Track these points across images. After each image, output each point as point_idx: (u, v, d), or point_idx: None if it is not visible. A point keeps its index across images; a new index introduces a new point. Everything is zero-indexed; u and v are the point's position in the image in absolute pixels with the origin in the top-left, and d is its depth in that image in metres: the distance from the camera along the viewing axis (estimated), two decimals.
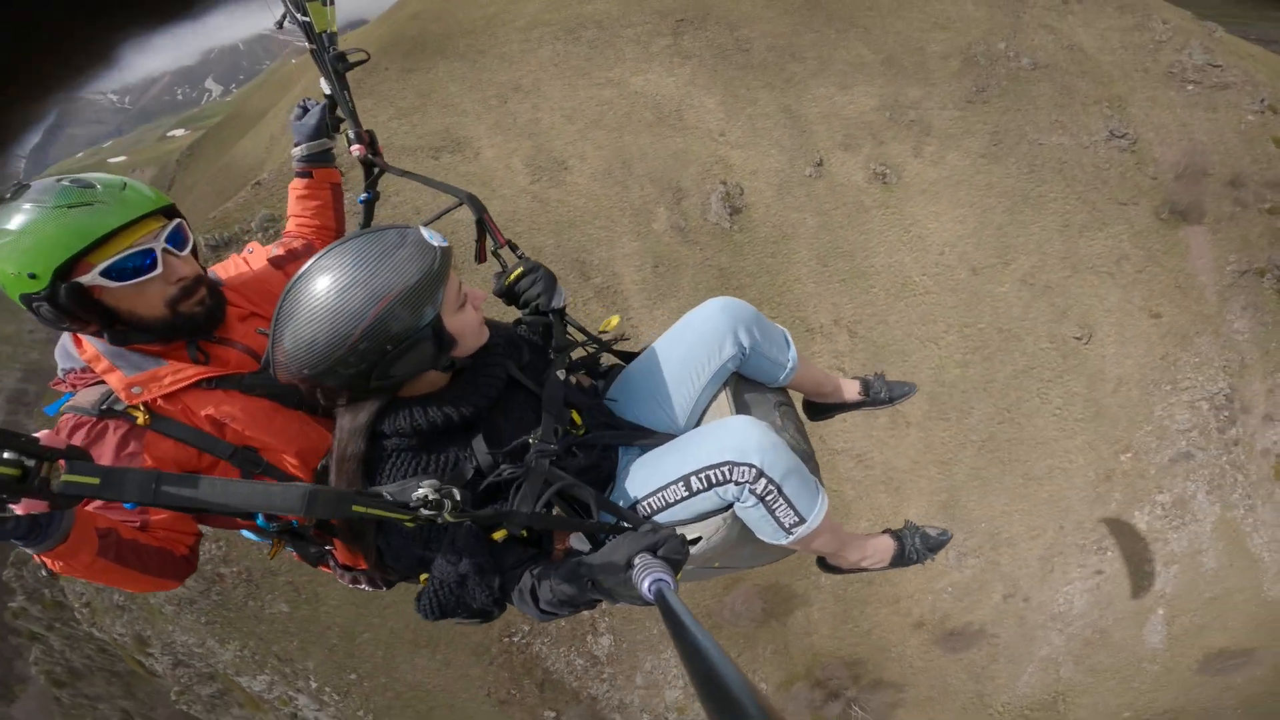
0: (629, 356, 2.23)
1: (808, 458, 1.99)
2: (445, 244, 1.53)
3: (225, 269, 1.99)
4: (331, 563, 1.96)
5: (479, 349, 1.68)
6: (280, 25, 2.29)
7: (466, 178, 12.00)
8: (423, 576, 1.66)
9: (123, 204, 1.53)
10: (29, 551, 1.34)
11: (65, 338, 1.72)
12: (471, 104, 13.11)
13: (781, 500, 1.71)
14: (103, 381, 1.64)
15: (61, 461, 1.02)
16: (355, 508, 1.22)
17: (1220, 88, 13.11)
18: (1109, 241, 11.99)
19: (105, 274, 1.51)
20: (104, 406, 1.60)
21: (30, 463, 1.03)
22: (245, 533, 1.92)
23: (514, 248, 2.16)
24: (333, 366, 1.45)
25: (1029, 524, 11.95)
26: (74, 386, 1.69)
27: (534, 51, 13.71)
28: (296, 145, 2.34)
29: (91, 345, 1.65)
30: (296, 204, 2.35)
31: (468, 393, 1.66)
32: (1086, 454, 11.99)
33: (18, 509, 1.20)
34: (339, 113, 2.31)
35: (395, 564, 1.69)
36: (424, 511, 1.28)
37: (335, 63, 2.23)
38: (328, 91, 2.28)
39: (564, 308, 2.06)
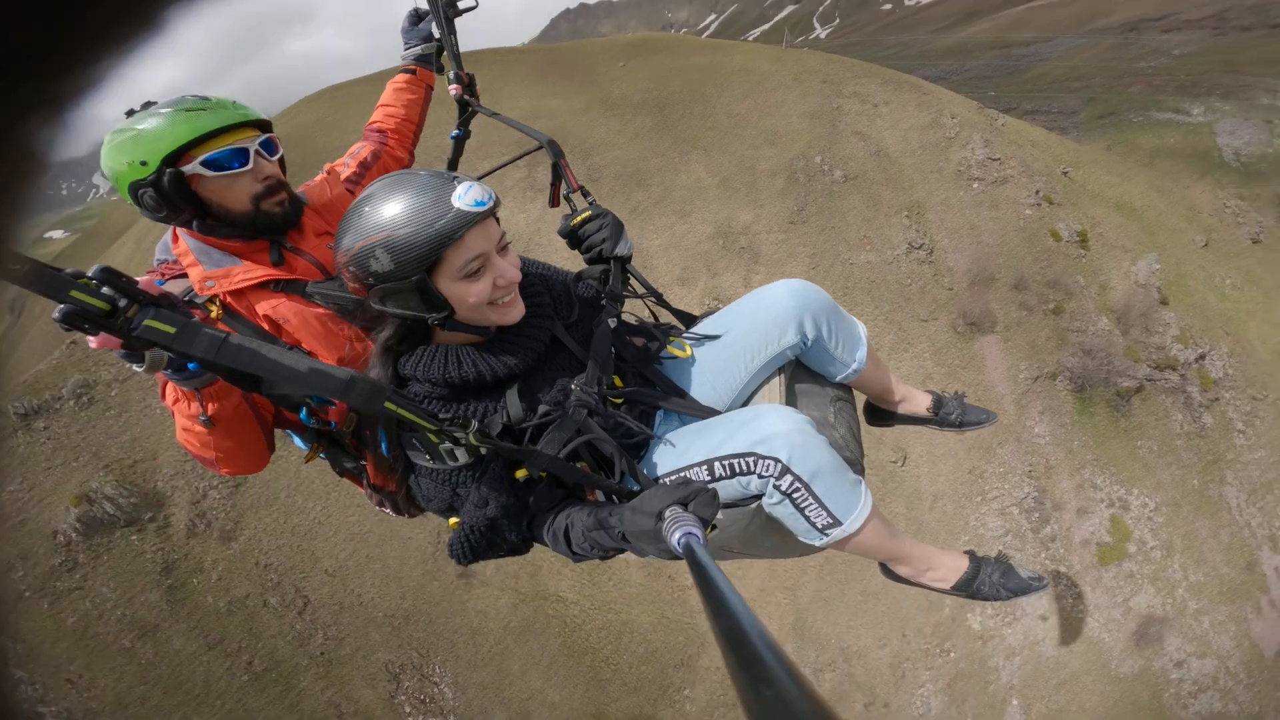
0: (690, 321, 2.17)
1: (854, 460, 1.91)
2: (476, 208, 1.48)
3: (310, 189, 2.11)
4: (364, 481, 2.04)
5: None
6: None
7: None
8: (451, 521, 1.66)
9: (228, 111, 1.77)
10: (186, 387, 1.56)
11: (166, 234, 1.90)
12: None
13: (811, 500, 1.65)
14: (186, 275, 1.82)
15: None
16: (387, 403, 1.31)
17: (1000, 183, 13.70)
18: (914, 362, 12.71)
19: (205, 164, 1.72)
20: (186, 298, 1.76)
21: (122, 302, 1.16)
22: (290, 434, 2.03)
23: (586, 194, 2.19)
24: (339, 269, 1.53)
25: (875, 635, 12.66)
26: (164, 275, 1.85)
27: None
28: (407, 48, 2.53)
29: (184, 241, 1.83)
30: (392, 94, 2.49)
31: (506, 351, 1.64)
32: None
33: (94, 342, 1.29)
34: (444, 58, 2.49)
35: (426, 505, 1.70)
36: (449, 429, 1.40)
37: (447, 9, 2.43)
38: (437, 35, 2.48)
39: (628, 257, 2.01)
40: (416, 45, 2.53)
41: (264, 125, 1.88)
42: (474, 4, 2.46)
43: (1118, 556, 12.84)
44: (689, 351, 1.98)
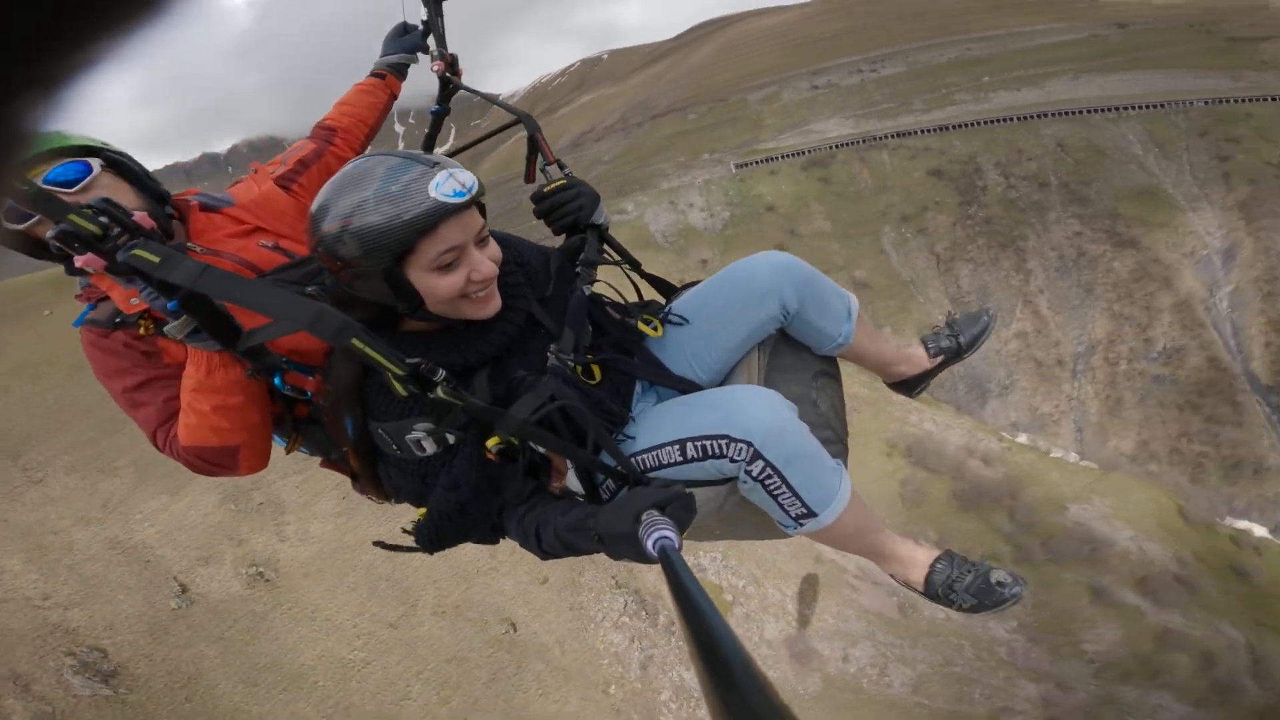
0: (669, 290, 2.16)
1: (834, 440, 1.85)
2: (454, 198, 1.43)
3: (235, 189, 2.14)
4: (345, 466, 1.94)
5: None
6: None
7: None
8: (420, 510, 1.68)
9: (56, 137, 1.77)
10: (215, 348, 1.59)
11: None
12: None
13: (785, 487, 1.60)
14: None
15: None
16: (355, 341, 1.30)
17: None
18: (473, 550, 13.23)
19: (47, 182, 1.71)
20: (117, 320, 1.78)
21: (114, 230, 1.33)
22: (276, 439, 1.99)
23: (562, 166, 2.14)
24: (312, 247, 1.51)
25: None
26: (89, 299, 1.86)
27: None
28: (385, 55, 2.55)
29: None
30: (354, 94, 2.49)
31: (479, 336, 1.62)
32: (588, 705, 13.19)
33: (80, 260, 1.37)
34: (428, 39, 2.54)
35: (395, 496, 1.74)
36: (419, 374, 1.35)
37: None
38: (424, 19, 2.51)
39: (605, 225, 2.01)
40: (398, 54, 2.57)
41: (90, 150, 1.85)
42: None
43: (725, 607, 15.26)
44: (660, 330, 1.92)
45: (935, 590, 1.83)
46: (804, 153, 51.96)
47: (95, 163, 1.80)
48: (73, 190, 1.72)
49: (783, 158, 54.33)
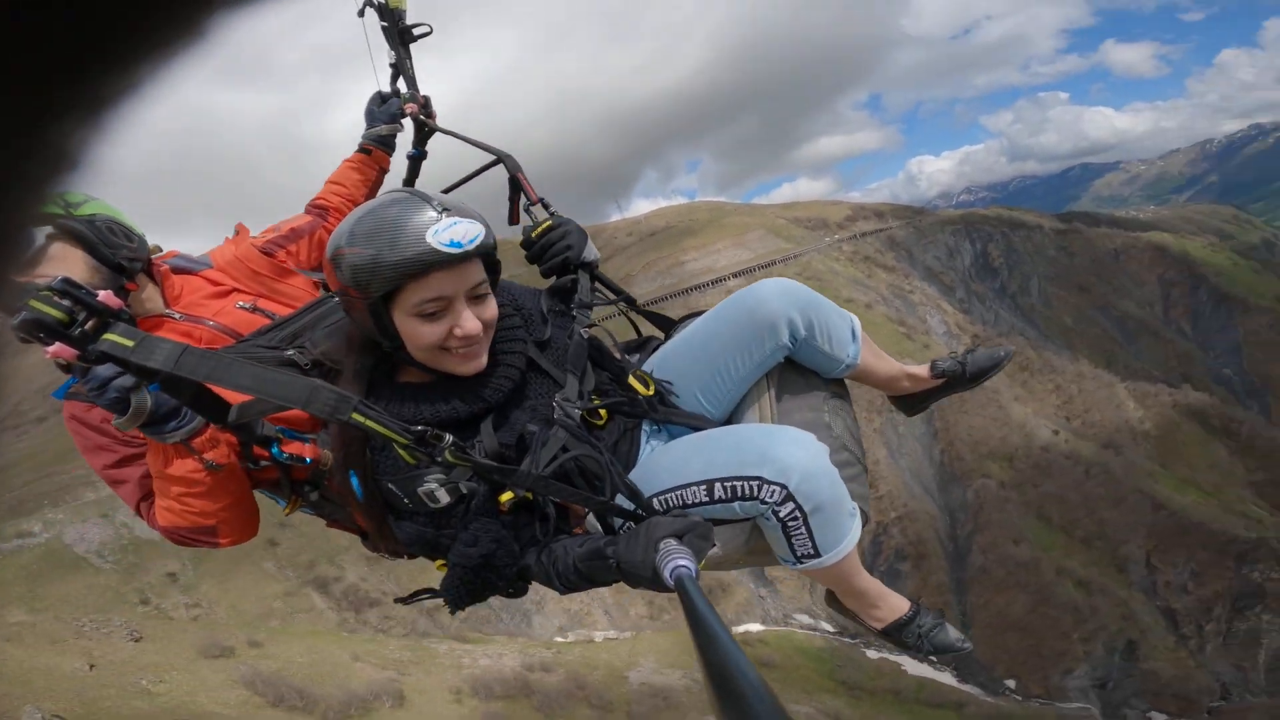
0: (667, 326, 2.17)
1: (852, 463, 1.84)
2: (449, 248, 1.42)
3: (214, 252, 2.17)
4: (356, 528, 1.94)
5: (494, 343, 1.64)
6: (361, 12, 2.50)
7: None
8: (438, 563, 1.65)
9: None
10: (176, 439, 1.53)
11: None
12: None
13: (803, 530, 1.58)
14: None
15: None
16: (354, 415, 1.29)
17: None
18: None
19: None
20: None
21: (80, 315, 1.23)
22: (262, 492, 1.95)
23: (547, 206, 2.12)
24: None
25: None
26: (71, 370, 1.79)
27: None
28: (370, 127, 2.57)
29: None
30: (345, 172, 2.53)
31: (478, 384, 1.60)
32: None
33: (49, 351, 1.29)
34: (399, 84, 2.59)
35: (410, 549, 1.67)
36: (425, 442, 1.35)
37: (404, 34, 2.54)
38: (393, 62, 2.56)
39: (595, 263, 1.99)
40: (380, 125, 2.58)
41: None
42: (428, 30, 2.59)
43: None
44: (652, 388, 1.85)
45: (900, 634, 1.90)
46: None
47: (39, 232, 1.73)
48: None
49: None
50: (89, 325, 1.24)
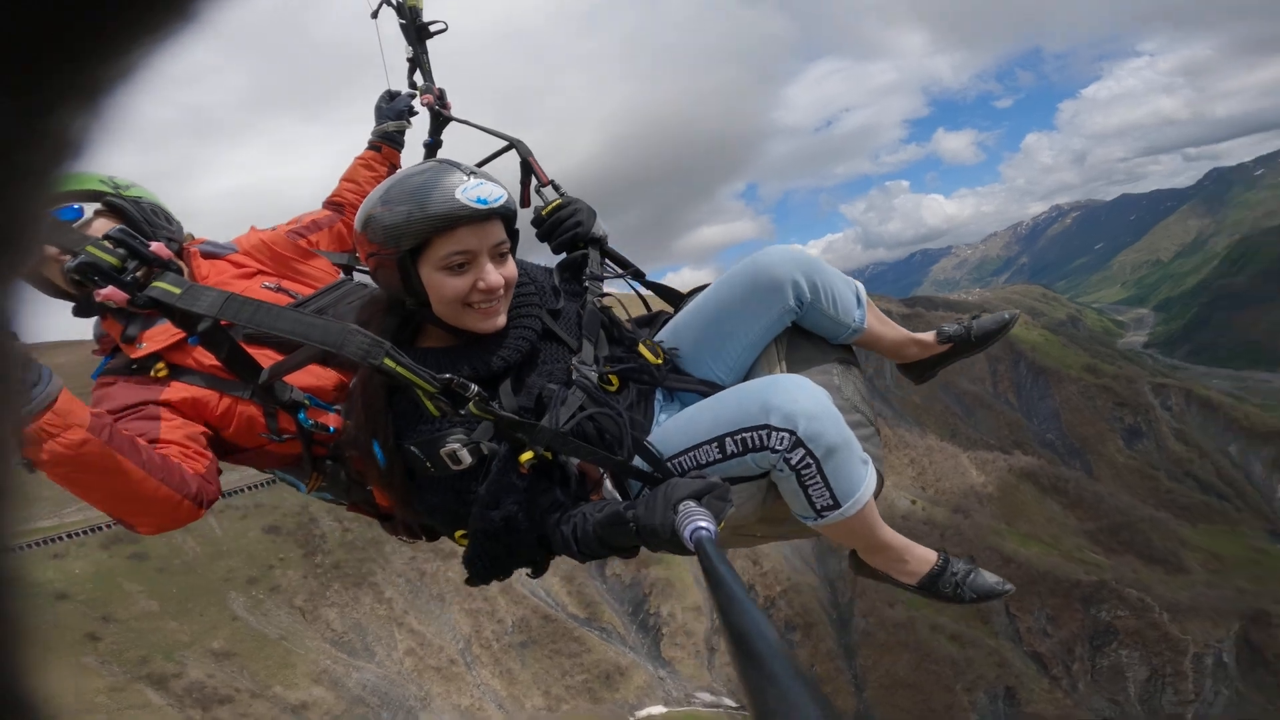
0: (675, 298, 2.21)
1: (864, 424, 1.83)
2: (476, 204, 1.52)
3: (240, 239, 2.26)
4: (377, 511, 2.05)
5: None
6: (375, 14, 2.68)
7: None
8: (458, 534, 1.65)
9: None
10: (36, 407, 1.40)
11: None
12: None
13: (818, 478, 1.57)
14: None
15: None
16: (386, 360, 1.32)
17: None
18: None
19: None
20: (134, 366, 1.86)
21: (132, 264, 1.32)
22: (283, 475, 2.02)
23: (557, 187, 2.18)
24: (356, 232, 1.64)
25: None
26: (105, 351, 1.97)
27: None
28: (379, 124, 2.73)
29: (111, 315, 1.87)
30: (357, 169, 2.67)
31: (498, 344, 1.65)
32: None
33: (100, 294, 1.34)
34: (416, 76, 2.77)
35: (432, 519, 1.71)
36: (452, 390, 1.37)
37: (421, 31, 2.71)
38: (410, 56, 2.73)
39: (604, 238, 2.06)
40: (388, 122, 2.69)
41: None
42: (444, 26, 2.73)
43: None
44: (661, 357, 1.90)
45: (936, 586, 1.89)
46: (102, 528, 41.56)
47: (89, 207, 1.86)
48: None
49: (69, 536, 42.08)
50: (140, 273, 1.34)
